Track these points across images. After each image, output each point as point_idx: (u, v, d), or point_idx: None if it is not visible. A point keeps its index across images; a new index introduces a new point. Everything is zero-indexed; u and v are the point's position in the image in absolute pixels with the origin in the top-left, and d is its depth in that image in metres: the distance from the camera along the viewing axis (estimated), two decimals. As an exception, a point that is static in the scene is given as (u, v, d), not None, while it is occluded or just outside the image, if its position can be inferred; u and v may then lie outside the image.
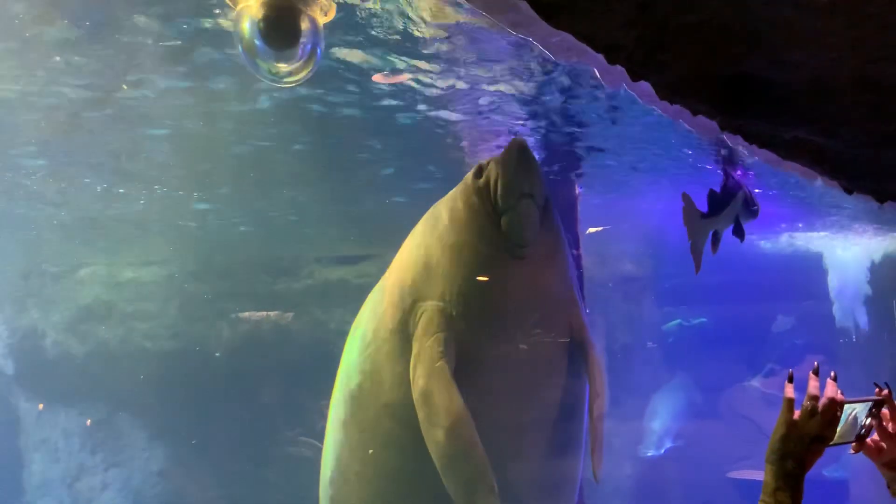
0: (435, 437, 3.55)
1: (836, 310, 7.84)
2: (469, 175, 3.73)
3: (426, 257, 3.81)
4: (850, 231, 7.17)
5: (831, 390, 1.79)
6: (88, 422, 7.10)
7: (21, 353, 7.30)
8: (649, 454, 6.95)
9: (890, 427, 2.02)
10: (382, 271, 6.91)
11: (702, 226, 3.46)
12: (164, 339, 6.77)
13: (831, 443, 1.89)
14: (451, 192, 3.86)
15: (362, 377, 3.98)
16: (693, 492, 7.23)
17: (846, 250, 7.73)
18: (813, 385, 1.77)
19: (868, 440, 1.96)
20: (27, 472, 7.51)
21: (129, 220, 5.85)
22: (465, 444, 3.54)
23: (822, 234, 7.32)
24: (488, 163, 3.71)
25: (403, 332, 3.78)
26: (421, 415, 3.58)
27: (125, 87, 3.55)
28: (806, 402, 1.79)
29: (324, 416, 6.19)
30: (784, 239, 7.55)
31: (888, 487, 2.14)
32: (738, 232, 3.57)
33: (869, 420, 1.92)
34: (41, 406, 7.34)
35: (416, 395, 3.61)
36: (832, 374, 1.80)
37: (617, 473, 6.71)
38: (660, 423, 7.09)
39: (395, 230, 6.65)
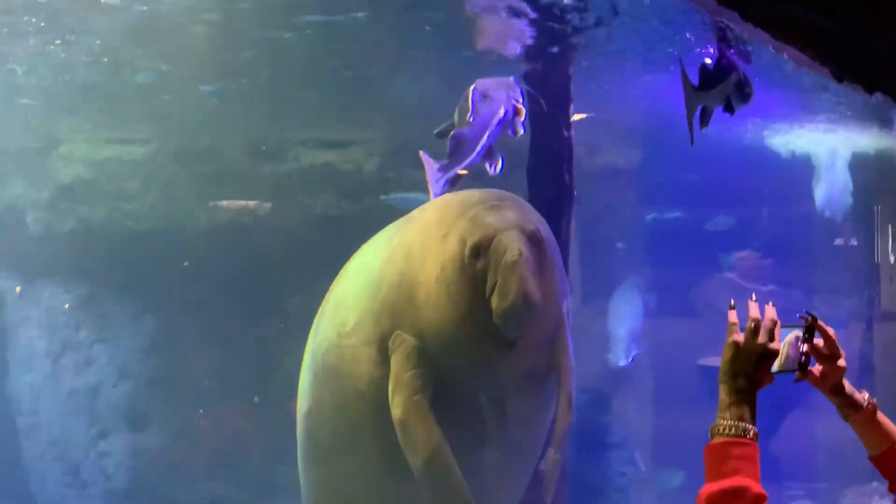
0: (413, 461, 3.74)
1: (818, 210, 7.85)
2: (466, 251, 3.61)
3: (409, 290, 3.79)
4: (838, 128, 7.14)
5: (771, 312, 1.93)
6: (67, 305, 7.14)
7: (1, 229, 7.27)
8: (621, 364, 7.03)
9: (825, 350, 2.14)
10: (370, 157, 6.89)
11: (695, 97, 3.44)
12: (146, 220, 6.75)
13: (776, 370, 2.04)
14: (443, 225, 3.74)
15: (339, 359, 4.05)
16: (662, 380, 7.46)
17: (832, 147, 7.70)
18: (753, 307, 1.91)
19: (811, 369, 2.09)
20: (11, 348, 7.61)
21: (111, 94, 5.78)
22: (443, 470, 3.72)
23: (810, 130, 7.29)
24: (489, 249, 3.58)
25: (382, 347, 3.83)
26: (400, 437, 3.72)
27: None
28: (749, 323, 1.93)
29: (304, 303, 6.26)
30: (771, 134, 7.52)
31: (840, 414, 2.24)
32: (729, 108, 3.55)
33: (805, 347, 2.06)
34: (18, 289, 7.37)
35: (394, 418, 3.72)
36: (769, 302, 1.95)
37: (588, 371, 6.86)
38: (624, 329, 7.12)
39: (383, 114, 6.61)
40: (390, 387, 3.76)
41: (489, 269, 3.56)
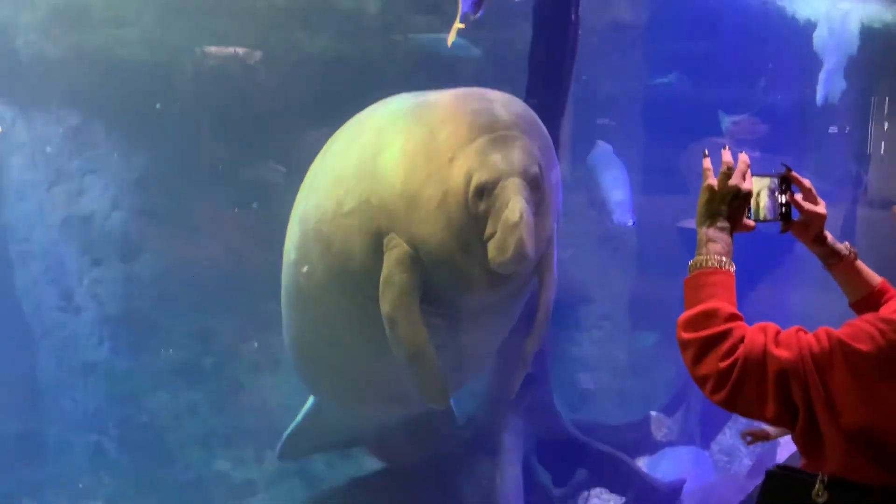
0: (398, 353, 3.92)
1: (819, 81, 7.74)
2: (470, 189, 3.66)
3: (409, 202, 3.81)
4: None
5: (743, 157, 2.06)
6: (49, 149, 7.10)
7: (-9, 52, 7.11)
8: (629, 224, 7.05)
9: (804, 200, 2.24)
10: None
11: None
12: (139, 48, 6.59)
13: (758, 218, 2.14)
14: (451, 145, 3.75)
15: (333, 234, 4.10)
16: (642, 243, 7.62)
17: (839, 18, 7.52)
18: (726, 153, 2.05)
19: (794, 220, 2.20)
20: (4, 176, 7.61)
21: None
22: (426, 367, 3.92)
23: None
24: (492, 193, 3.62)
25: (376, 241, 3.91)
26: (387, 331, 3.88)
27: None
28: (722, 167, 2.06)
29: (302, 146, 6.25)
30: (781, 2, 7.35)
31: (823, 263, 2.35)
32: None
33: (784, 198, 2.17)
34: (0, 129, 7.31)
35: (382, 313, 3.87)
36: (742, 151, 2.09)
37: (571, 233, 6.97)
38: (619, 191, 7.12)
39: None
40: (381, 282, 3.86)
41: (490, 215, 3.63)
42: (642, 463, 5.90)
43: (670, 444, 6.30)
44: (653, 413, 6.48)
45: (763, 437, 2.74)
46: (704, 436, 6.30)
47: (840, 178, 7.81)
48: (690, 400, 6.47)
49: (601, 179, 7.04)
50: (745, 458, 5.96)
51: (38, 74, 6.93)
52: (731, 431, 5.93)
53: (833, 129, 8.08)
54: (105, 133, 6.98)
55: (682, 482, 5.51)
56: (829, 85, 7.59)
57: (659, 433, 6.34)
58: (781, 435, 2.73)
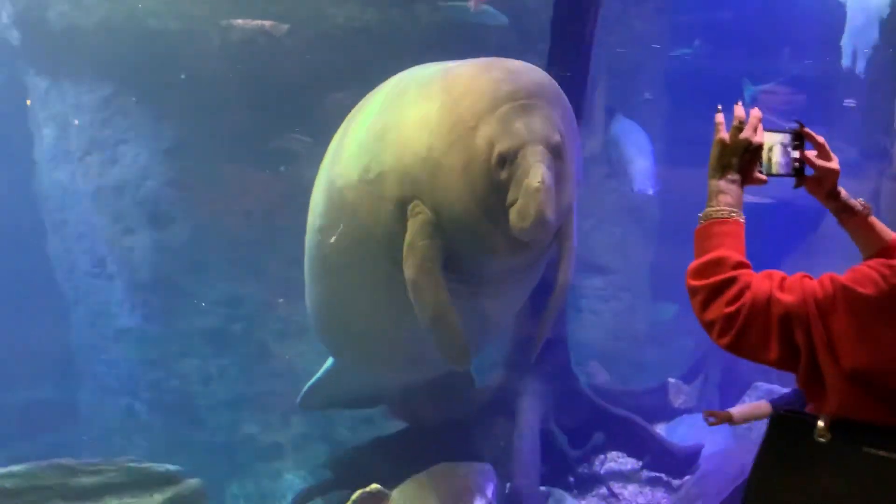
0: (421, 316, 3.99)
1: (844, 40, 7.60)
2: (493, 157, 3.68)
3: (433, 168, 3.83)
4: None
5: (755, 111, 2.09)
6: (76, 122, 7.22)
7: (26, 23, 7.23)
8: (650, 192, 7.04)
9: (817, 156, 2.28)
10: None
11: None
12: (168, 19, 6.68)
13: (770, 172, 2.18)
14: (474, 114, 3.77)
15: (358, 200, 4.16)
16: (665, 215, 7.63)
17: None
18: (739, 109, 2.08)
19: (807, 175, 2.24)
20: (38, 146, 7.77)
21: None
22: (448, 330, 4.00)
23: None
24: (514, 161, 3.65)
25: (401, 207, 3.96)
26: (410, 295, 3.94)
27: None
28: (734, 121, 2.09)
29: (327, 117, 6.32)
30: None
31: (837, 219, 2.38)
32: None
33: (797, 153, 2.20)
34: (28, 101, 7.41)
35: (406, 277, 3.93)
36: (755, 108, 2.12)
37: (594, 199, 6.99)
38: (645, 160, 7.10)
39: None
40: (405, 248, 3.93)
41: (512, 182, 3.66)
42: (660, 429, 5.96)
43: (688, 411, 6.34)
44: (671, 380, 6.52)
45: (725, 418, 2.76)
46: (723, 404, 6.33)
47: (866, 150, 7.72)
48: (709, 369, 6.51)
49: (623, 148, 7.03)
50: (765, 425, 5.97)
51: (70, 45, 7.05)
52: (750, 399, 5.95)
53: (851, 103, 7.99)
54: (136, 103, 7.09)
55: (700, 447, 5.57)
56: (854, 43, 7.45)
57: (677, 400, 6.39)
58: (744, 421, 2.76)
